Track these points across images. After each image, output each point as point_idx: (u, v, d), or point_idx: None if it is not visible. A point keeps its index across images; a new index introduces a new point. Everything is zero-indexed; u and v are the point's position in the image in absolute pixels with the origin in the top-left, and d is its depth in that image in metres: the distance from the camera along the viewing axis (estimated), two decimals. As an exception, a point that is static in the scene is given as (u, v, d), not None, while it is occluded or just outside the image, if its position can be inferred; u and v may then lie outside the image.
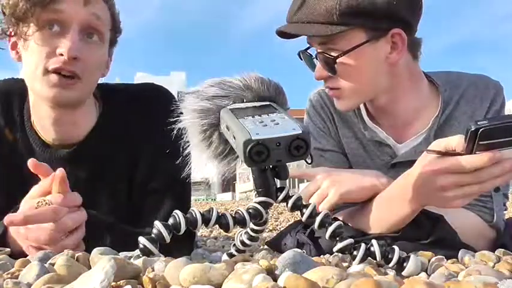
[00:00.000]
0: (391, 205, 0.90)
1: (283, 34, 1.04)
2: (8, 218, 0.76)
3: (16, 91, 1.05)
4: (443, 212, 0.91)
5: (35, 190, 0.82)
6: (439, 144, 0.80)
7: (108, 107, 1.05)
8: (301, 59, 1.10)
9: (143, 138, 1.04)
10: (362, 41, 0.97)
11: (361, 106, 1.15)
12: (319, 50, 1.02)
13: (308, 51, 1.08)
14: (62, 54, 0.89)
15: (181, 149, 0.73)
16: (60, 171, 0.80)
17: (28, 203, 0.80)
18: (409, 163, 0.89)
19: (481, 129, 0.69)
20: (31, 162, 0.82)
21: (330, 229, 0.69)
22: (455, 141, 0.77)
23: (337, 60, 0.98)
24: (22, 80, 1.07)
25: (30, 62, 0.92)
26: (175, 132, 0.72)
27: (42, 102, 0.97)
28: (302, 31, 1.01)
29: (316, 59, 1.03)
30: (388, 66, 1.02)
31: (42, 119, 1.00)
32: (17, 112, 1.04)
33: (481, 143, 0.71)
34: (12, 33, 0.93)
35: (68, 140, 1.02)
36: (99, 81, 1.09)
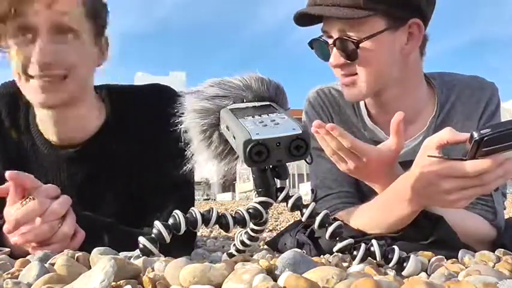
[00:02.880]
0: (391, 205, 0.90)
1: (303, 17, 1.03)
2: (4, 230, 0.79)
3: (20, 94, 1.05)
4: (444, 212, 0.91)
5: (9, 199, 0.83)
6: (432, 140, 0.80)
7: (114, 107, 1.06)
8: (312, 48, 1.09)
9: (150, 139, 1.04)
10: (383, 28, 0.98)
11: (362, 106, 1.15)
12: (338, 36, 1.00)
13: (322, 38, 1.06)
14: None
15: (185, 149, 0.74)
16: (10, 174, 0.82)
17: (11, 208, 0.81)
18: (409, 163, 0.90)
19: (485, 138, 0.70)
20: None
21: (330, 229, 0.69)
22: (447, 134, 0.78)
23: (351, 52, 0.98)
24: None
25: (14, 70, 0.93)
26: (180, 132, 0.72)
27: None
28: (329, 13, 0.99)
29: (334, 45, 1.01)
30: (402, 57, 1.03)
31: (44, 121, 1.01)
32: (22, 114, 1.05)
33: (483, 149, 0.72)
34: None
35: (73, 140, 1.03)
36: (98, 82, 1.09)
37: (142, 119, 1.05)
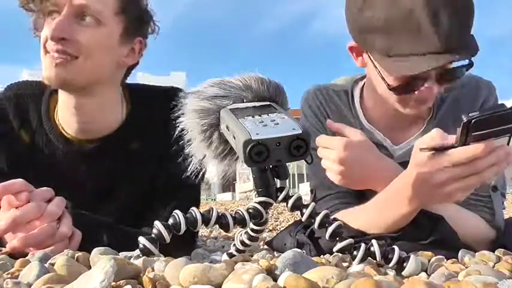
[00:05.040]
0: (390, 205, 0.90)
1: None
2: None
3: (29, 93, 1.07)
4: (443, 211, 0.91)
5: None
6: (431, 135, 0.81)
7: (135, 106, 1.06)
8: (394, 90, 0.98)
9: (169, 140, 1.04)
10: None
11: (357, 107, 1.15)
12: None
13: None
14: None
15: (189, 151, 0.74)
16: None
17: (5, 212, 0.80)
18: (407, 164, 0.90)
19: (473, 120, 0.69)
20: None
21: (330, 229, 0.69)
22: (437, 136, 0.79)
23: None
24: (35, 83, 1.08)
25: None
26: (180, 132, 0.72)
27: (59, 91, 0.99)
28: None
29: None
30: None
31: (63, 110, 1.02)
32: (34, 113, 1.06)
33: (474, 134, 0.71)
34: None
35: (91, 135, 1.04)
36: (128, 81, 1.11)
37: (161, 119, 1.06)
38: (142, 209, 1.03)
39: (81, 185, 0.99)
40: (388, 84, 0.98)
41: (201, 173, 0.76)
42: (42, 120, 1.05)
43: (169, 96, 1.09)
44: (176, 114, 0.72)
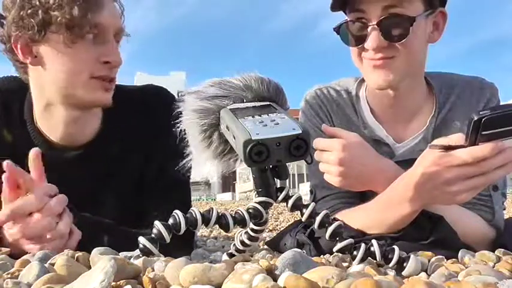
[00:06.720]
0: (392, 205, 0.90)
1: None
2: None
3: (15, 90, 1.04)
4: (443, 211, 0.91)
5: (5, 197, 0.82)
6: (441, 142, 0.80)
7: (113, 108, 1.06)
8: (338, 34, 1.04)
9: (150, 139, 1.04)
10: (421, 11, 0.98)
11: (362, 104, 1.15)
12: (388, 14, 0.96)
13: (361, 20, 0.99)
14: (107, 62, 0.94)
15: (184, 149, 0.74)
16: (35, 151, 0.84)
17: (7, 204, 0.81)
18: (408, 162, 0.89)
19: (483, 119, 0.68)
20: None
21: (330, 229, 0.69)
22: (456, 138, 0.78)
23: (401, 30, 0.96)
24: (20, 79, 1.06)
25: (70, 68, 0.94)
26: (178, 132, 0.72)
27: (62, 106, 0.98)
28: None
29: (378, 25, 0.95)
30: (426, 46, 1.04)
31: (54, 121, 1.01)
32: (17, 112, 1.04)
33: (483, 133, 0.70)
34: (29, 39, 0.92)
35: (74, 141, 1.03)
36: None
37: (141, 119, 1.06)
38: (135, 211, 1.03)
39: (67, 190, 0.99)
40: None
41: (191, 172, 0.76)
42: (25, 122, 1.03)
43: (147, 96, 1.10)
44: (172, 114, 0.72)
